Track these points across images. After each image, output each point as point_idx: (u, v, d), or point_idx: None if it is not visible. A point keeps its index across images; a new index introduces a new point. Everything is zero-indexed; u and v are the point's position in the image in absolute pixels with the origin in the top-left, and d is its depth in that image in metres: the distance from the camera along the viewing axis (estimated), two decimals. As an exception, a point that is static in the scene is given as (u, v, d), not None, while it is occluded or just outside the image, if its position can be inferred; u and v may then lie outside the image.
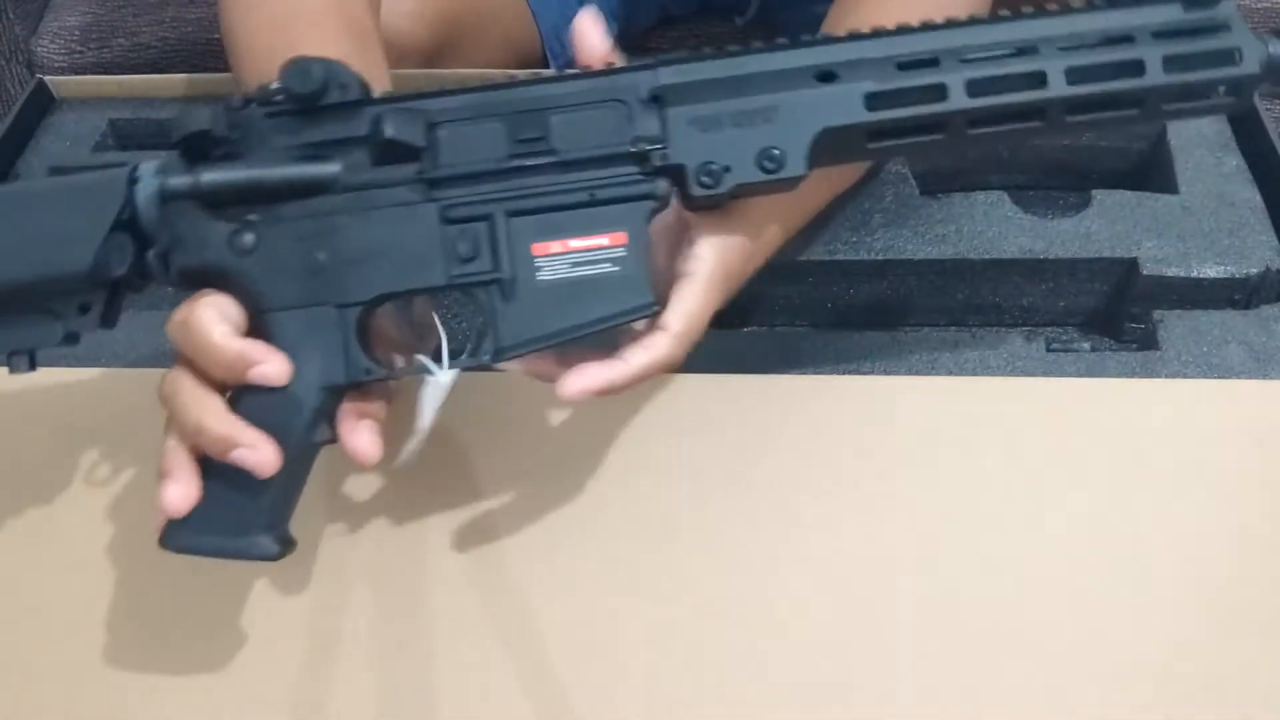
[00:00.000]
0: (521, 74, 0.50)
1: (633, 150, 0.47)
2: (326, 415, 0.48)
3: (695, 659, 0.53)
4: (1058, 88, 0.47)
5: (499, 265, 0.47)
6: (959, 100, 0.47)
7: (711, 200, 0.48)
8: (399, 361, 0.51)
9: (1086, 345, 0.69)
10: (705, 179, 0.47)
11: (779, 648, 0.53)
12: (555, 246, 0.48)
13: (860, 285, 0.69)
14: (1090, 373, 0.63)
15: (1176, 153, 0.73)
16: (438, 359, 0.48)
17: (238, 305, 0.48)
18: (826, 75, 0.48)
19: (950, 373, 0.63)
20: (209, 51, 1.14)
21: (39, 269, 0.48)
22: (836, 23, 0.63)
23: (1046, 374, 0.63)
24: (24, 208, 0.49)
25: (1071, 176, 0.78)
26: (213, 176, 0.47)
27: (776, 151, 0.47)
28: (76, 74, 0.96)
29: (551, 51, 0.94)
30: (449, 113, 0.48)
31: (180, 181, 0.47)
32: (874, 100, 0.47)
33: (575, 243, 0.48)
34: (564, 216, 0.48)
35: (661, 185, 0.48)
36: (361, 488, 0.58)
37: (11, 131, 0.79)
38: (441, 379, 0.48)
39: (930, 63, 0.48)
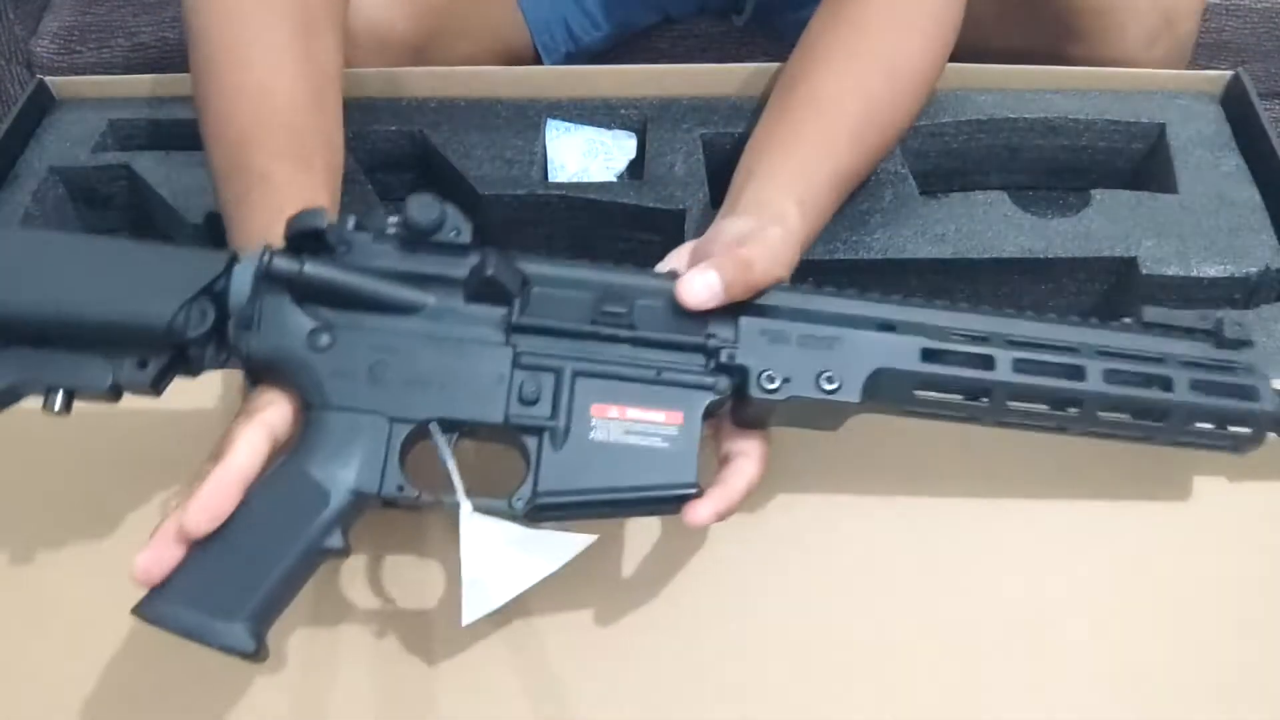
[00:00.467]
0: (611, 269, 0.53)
1: (704, 344, 0.50)
2: (345, 523, 0.48)
3: (694, 659, 0.53)
4: (1094, 383, 0.51)
5: (556, 414, 0.49)
6: (1004, 373, 0.51)
7: (765, 406, 0.50)
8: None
9: (1085, 346, 0.68)
10: (767, 383, 0.50)
11: (776, 648, 0.53)
12: (613, 411, 0.50)
13: (860, 284, 0.68)
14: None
15: (1176, 153, 0.74)
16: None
17: (289, 414, 0.49)
18: (888, 325, 0.52)
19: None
20: None
21: (118, 309, 0.48)
22: (757, 135, 0.65)
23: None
24: (126, 255, 0.50)
25: (1071, 176, 0.79)
26: (315, 269, 0.49)
27: (834, 375, 0.50)
28: (76, 74, 0.96)
29: (544, 47, 0.94)
30: (544, 276, 0.51)
31: (285, 264, 0.48)
32: (929, 355, 0.51)
33: (633, 412, 0.50)
34: (628, 387, 0.50)
35: (723, 381, 0.50)
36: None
37: (12, 131, 0.79)
38: (473, 521, 0.48)
39: (982, 338, 0.52)
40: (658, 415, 0.50)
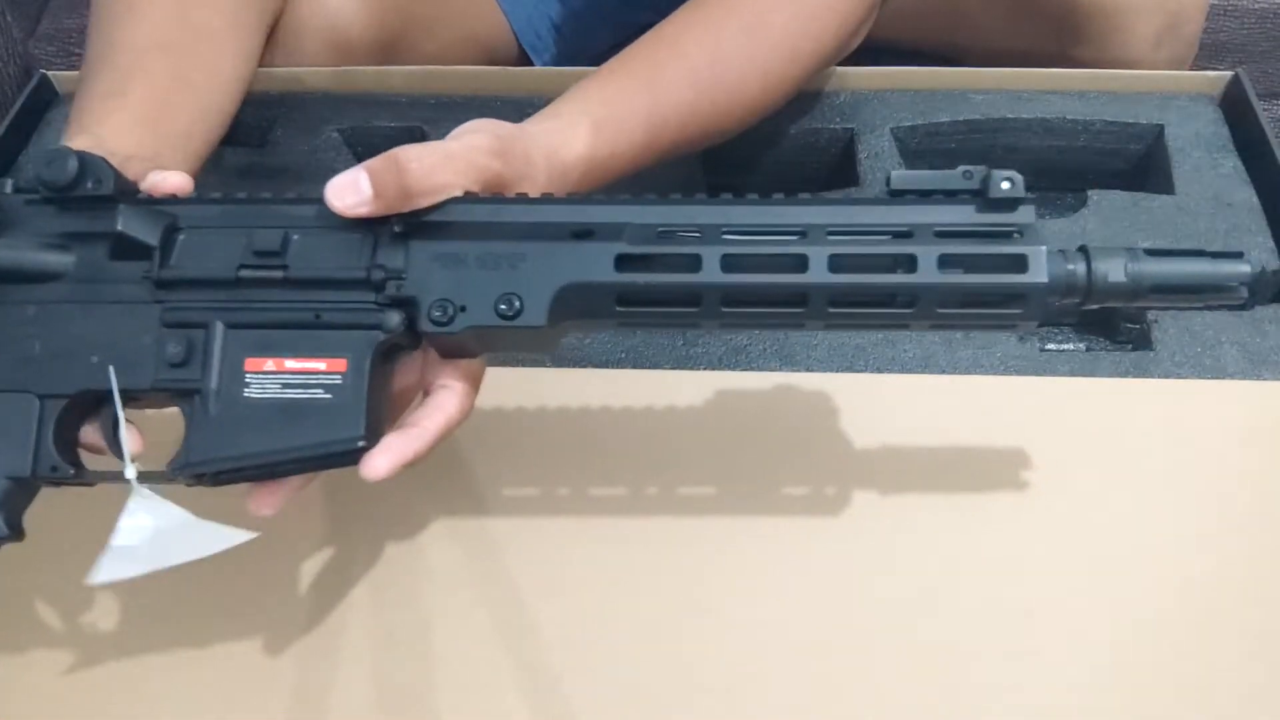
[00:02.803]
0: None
1: (368, 277, 0.46)
2: (6, 508, 0.46)
3: (692, 657, 0.54)
4: (818, 274, 0.45)
5: (206, 375, 0.46)
6: (713, 274, 0.45)
7: (449, 341, 0.47)
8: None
9: (1081, 345, 0.69)
10: (438, 315, 0.46)
11: (772, 645, 0.54)
12: (269, 364, 0.46)
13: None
14: (1084, 372, 0.63)
15: (1174, 154, 0.74)
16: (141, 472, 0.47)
17: None
18: (583, 233, 0.47)
19: (944, 371, 0.64)
20: None
21: None
22: (656, 29, 0.63)
23: (1040, 373, 0.63)
24: None
25: (1068, 177, 0.79)
26: None
27: (516, 300, 0.46)
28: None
29: (530, 47, 0.94)
30: (196, 219, 0.48)
31: None
32: (624, 262, 0.46)
33: (291, 363, 0.46)
34: (284, 335, 0.47)
35: (393, 318, 0.46)
36: (360, 486, 0.58)
37: (14, 126, 0.80)
38: (140, 498, 0.46)
39: (692, 235, 0.46)
40: (318, 364, 0.46)
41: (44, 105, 0.82)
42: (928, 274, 0.44)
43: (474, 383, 0.49)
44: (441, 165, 0.47)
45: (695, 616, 0.55)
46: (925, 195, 0.46)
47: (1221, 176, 0.73)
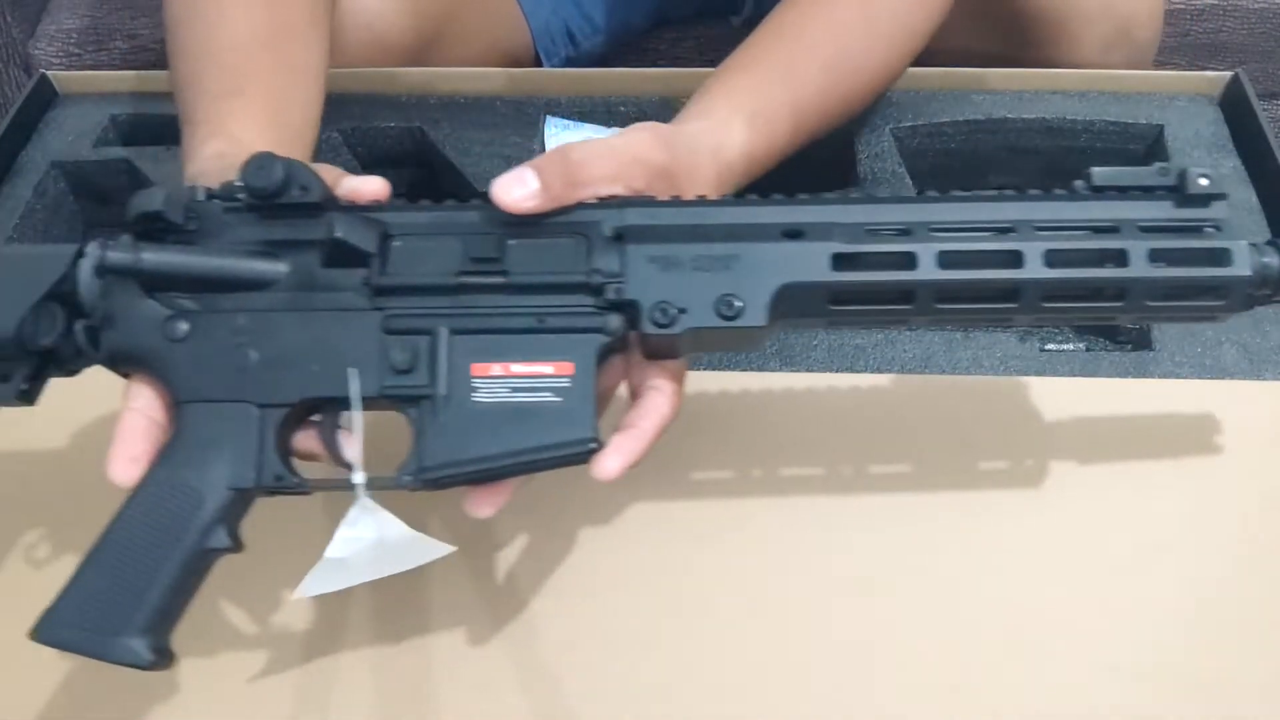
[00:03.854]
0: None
1: (587, 281, 0.47)
2: (228, 520, 0.47)
3: (693, 658, 0.54)
4: (1034, 269, 0.46)
5: (434, 381, 0.47)
6: (928, 270, 0.46)
7: (665, 342, 0.47)
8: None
9: (1081, 345, 0.69)
10: (659, 317, 0.46)
11: (773, 644, 0.54)
12: (496, 369, 0.47)
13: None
14: (1084, 372, 0.63)
15: (1174, 154, 0.75)
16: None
17: (157, 398, 0.48)
18: (794, 233, 0.48)
19: (944, 371, 0.64)
20: None
21: None
22: (741, 45, 0.64)
23: (1040, 373, 0.63)
24: None
25: (1069, 177, 0.78)
26: (153, 257, 0.47)
27: (736, 301, 0.47)
28: (76, 74, 0.95)
29: (544, 51, 0.95)
30: (407, 226, 0.48)
31: (119, 257, 0.47)
32: (840, 261, 0.47)
33: (517, 367, 0.47)
34: (509, 340, 0.47)
35: (614, 320, 0.47)
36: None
37: (14, 126, 0.80)
38: (363, 509, 0.46)
39: (902, 232, 0.47)
40: (545, 368, 0.46)
41: (44, 105, 0.83)
42: (1139, 268, 0.46)
43: (680, 382, 0.50)
44: (605, 157, 0.49)
45: (700, 617, 0.55)
46: (1123, 191, 0.48)
47: (1221, 176, 0.72)
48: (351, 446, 0.47)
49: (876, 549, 0.56)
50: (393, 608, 0.56)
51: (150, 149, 0.79)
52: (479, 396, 0.46)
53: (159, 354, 0.47)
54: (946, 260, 0.46)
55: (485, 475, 0.47)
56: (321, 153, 0.78)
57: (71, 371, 0.49)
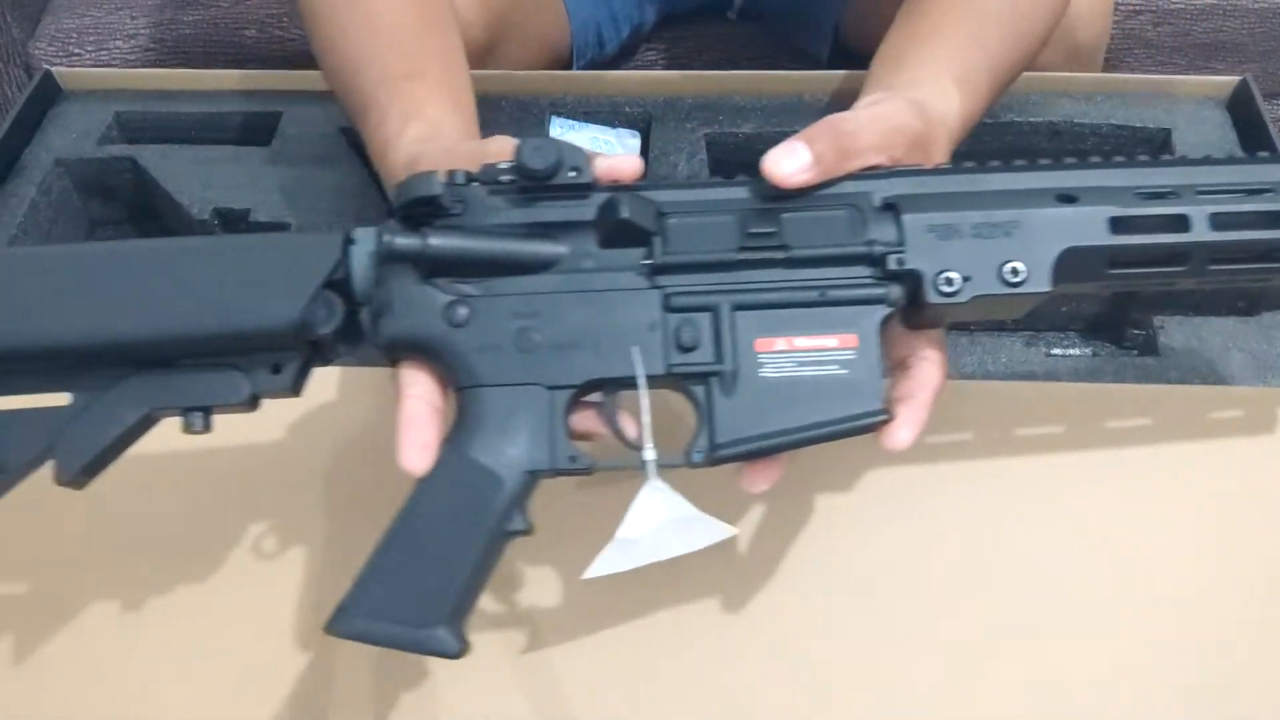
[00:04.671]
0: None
1: (868, 252, 0.47)
2: (522, 503, 0.47)
3: (693, 660, 0.54)
4: None
5: (721, 358, 0.47)
6: (1202, 232, 0.47)
7: (939, 311, 0.48)
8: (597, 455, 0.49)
9: (1087, 350, 0.69)
10: (944, 286, 0.46)
11: (776, 646, 0.55)
12: (780, 344, 0.47)
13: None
14: (1090, 378, 0.63)
15: (1181, 158, 0.73)
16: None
17: (434, 384, 0.48)
18: (1068, 197, 0.48)
19: (950, 375, 0.63)
20: (206, 54, 1.16)
21: (241, 319, 0.46)
22: (893, 34, 0.64)
23: (1046, 378, 0.63)
24: (233, 257, 0.48)
25: (1075, 181, 0.78)
26: (440, 242, 0.47)
27: (1019, 266, 0.47)
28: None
29: (577, 51, 0.96)
30: (678, 205, 0.48)
31: (408, 242, 0.46)
32: (1118, 225, 0.47)
33: (801, 341, 0.47)
34: (792, 314, 0.47)
35: (895, 290, 0.47)
36: (362, 485, 0.59)
37: (18, 123, 0.81)
38: (654, 488, 0.46)
39: (1171, 194, 0.48)
40: (829, 340, 0.47)
41: (48, 102, 0.83)
42: None
43: (944, 352, 0.50)
44: (870, 126, 0.49)
45: (701, 618, 0.55)
46: None
47: (1229, 181, 0.73)
48: (633, 426, 0.47)
49: (880, 552, 0.57)
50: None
51: (154, 147, 0.80)
52: (766, 372, 0.47)
53: (442, 340, 0.47)
54: (1219, 222, 0.47)
55: (773, 450, 0.47)
56: (326, 151, 0.78)
57: (328, 361, 0.49)
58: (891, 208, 0.48)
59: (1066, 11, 0.72)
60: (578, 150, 0.48)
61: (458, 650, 0.45)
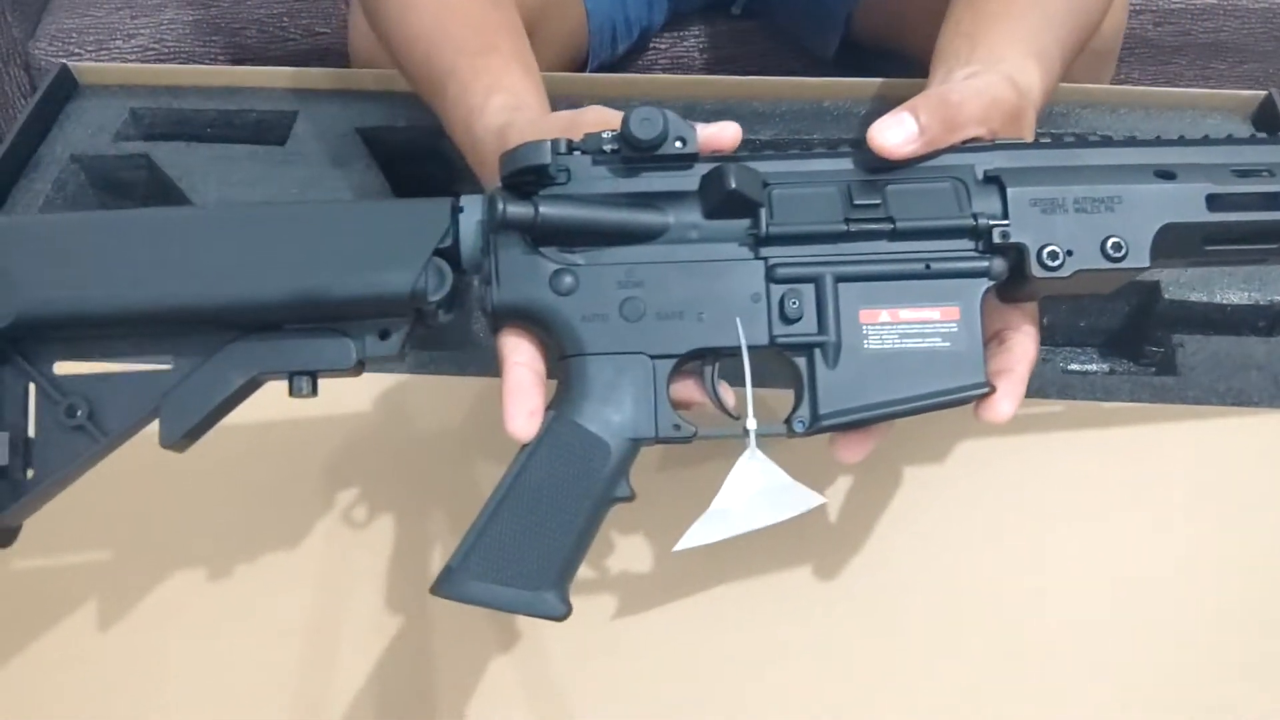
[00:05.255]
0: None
1: (974, 225, 0.48)
2: (626, 470, 0.48)
3: (693, 662, 0.54)
4: None
5: (825, 329, 0.47)
6: None
7: (1040, 285, 0.48)
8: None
9: (1105, 367, 0.69)
10: (1048, 260, 0.47)
11: (777, 658, 0.54)
12: (884, 315, 0.48)
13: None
14: (1106, 396, 0.63)
15: (1205, 173, 0.72)
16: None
17: (537, 351, 0.49)
18: (1166, 173, 0.49)
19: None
20: (206, 54, 1.17)
21: (354, 287, 0.47)
22: (959, 14, 0.63)
23: (1061, 395, 0.64)
24: (344, 224, 0.49)
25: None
26: (550, 210, 0.47)
27: (1120, 240, 0.47)
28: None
29: (593, 50, 0.97)
30: (782, 175, 0.49)
31: (520, 210, 0.47)
32: (1215, 201, 0.48)
33: (905, 314, 0.48)
34: (895, 286, 0.48)
35: (999, 264, 0.48)
36: (362, 486, 0.59)
37: (35, 117, 0.81)
38: (753, 457, 0.47)
39: (1265, 172, 0.49)
40: (932, 313, 0.47)
41: (65, 97, 0.83)
42: None
43: (1038, 325, 0.51)
44: (974, 99, 0.50)
45: (702, 622, 0.55)
46: None
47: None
48: (731, 395, 0.48)
49: (886, 564, 0.57)
50: (393, 610, 0.56)
51: (169, 144, 0.80)
52: (870, 343, 0.47)
53: (548, 308, 0.48)
54: None
55: (873, 421, 0.48)
56: (341, 151, 0.78)
57: (429, 328, 0.49)
58: (995, 180, 0.48)
59: None
60: (683, 121, 0.48)
61: (564, 613, 0.46)
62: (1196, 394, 0.64)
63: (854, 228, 0.48)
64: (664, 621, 0.55)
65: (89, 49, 1.15)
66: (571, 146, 0.48)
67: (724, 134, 0.49)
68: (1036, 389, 0.65)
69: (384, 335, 0.48)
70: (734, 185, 0.46)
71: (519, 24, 0.65)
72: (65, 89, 0.84)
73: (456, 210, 0.48)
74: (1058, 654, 0.54)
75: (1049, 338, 0.70)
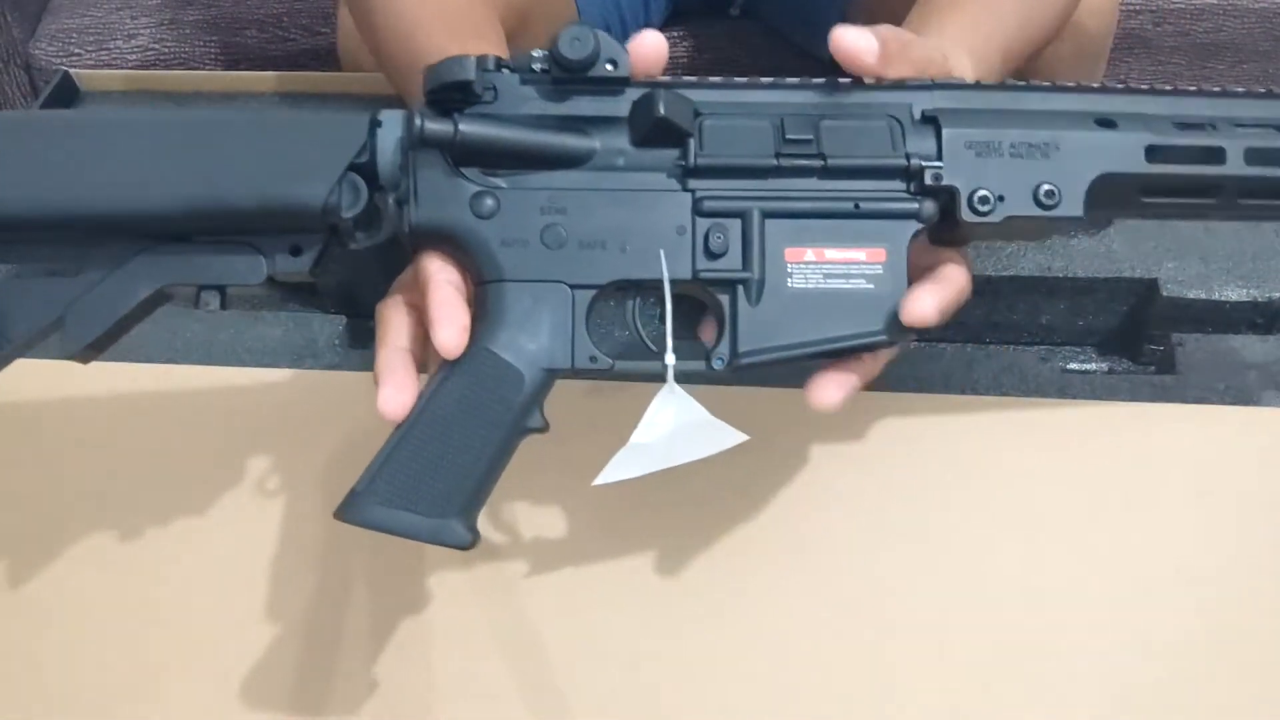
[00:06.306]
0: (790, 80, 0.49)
1: (906, 165, 0.47)
2: (540, 401, 0.47)
3: (693, 665, 0.55)
4: None
5: (749, 265, 0.47)
6: (1236, 166, 0.48)
7: (970, 229, 0.48)
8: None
9: (1104, 366, 0.69)
10: (979, 205, 0.47)
11: (779, 658, 0.55)
12: (809, 254, 0.47)
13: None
14: (1105, 395, 0.64)
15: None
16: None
17: (458, 274, 0.47)
18: (1106, 122, 0.48)
19: (963, 390, 0.64)
20: (206, 54, 1.17)
21: (265, 198, 0.45)
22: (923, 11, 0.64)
23: (1061, 394, 0.64)
24: (257, 134, 0.47)
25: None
26: (471, 128, 0.46)
27: (1053, 188, 0.47)
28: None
29: None
30: (715, 106, 0.48)
31: (438, 128, 0.45)
32: (1154, 153, 0.48)
33: (831, 253, 0.47)
34: (823, 225, 0.47)
35: (929, 206, 0.47)
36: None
37: None
38: (671, 391, 0.47)
39: (1208, 125, 0.49)
40: (858, 254, 0.47)
41: (66, 103, 0.84)
42: None
43: (969, 264, 0.50)
44: (922, 44, 0.50)
45: (703, 625, 0.55)
46: None
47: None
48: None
49: (887, 568, 0.57)
50: (393, 610, 0.56)
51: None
52: (794, 282, 0.47)
53: (468, 231, 0.46)
54: (1254, 156, 0.47)
55: (793, 361, 0.47)
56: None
57: (345, 246, 0.48)
58: (931, 121, 0.48)
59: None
60: (616, 43, 0.47)
61: (469, 542, 0.46)
62: (1196, 392, 0.64)
63: (784, 163, 0.47)
64: (663, 622, 0.56)
65: (89, 49, 1.15)
66: (500, 64, 0.47)
67: (644, 42, 0.47)
68: (1036, 389, 0.65)
69: (295, 252, 0.47)
70: (663, 111, 0.45)
71: (497, 24, 0.65)
72: (66, 96, 0.84)
73: (375, 125, 0.46)
74: (1057, 655, 0.54)
75: (1048, 337, 0.70)
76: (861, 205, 0.47)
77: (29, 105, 0.81)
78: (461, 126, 0.45)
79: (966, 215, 0.47)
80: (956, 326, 0.70)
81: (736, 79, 0.49)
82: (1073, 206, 0.47)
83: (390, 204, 0.47)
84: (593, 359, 0.47)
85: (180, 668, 0.55)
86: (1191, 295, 0.67)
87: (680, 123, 0.46)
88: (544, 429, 0.47)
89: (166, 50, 1.17)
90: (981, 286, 0.68)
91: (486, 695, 0.54)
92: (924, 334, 0.63)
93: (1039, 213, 0.47)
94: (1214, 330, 0.67)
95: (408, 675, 0.54)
